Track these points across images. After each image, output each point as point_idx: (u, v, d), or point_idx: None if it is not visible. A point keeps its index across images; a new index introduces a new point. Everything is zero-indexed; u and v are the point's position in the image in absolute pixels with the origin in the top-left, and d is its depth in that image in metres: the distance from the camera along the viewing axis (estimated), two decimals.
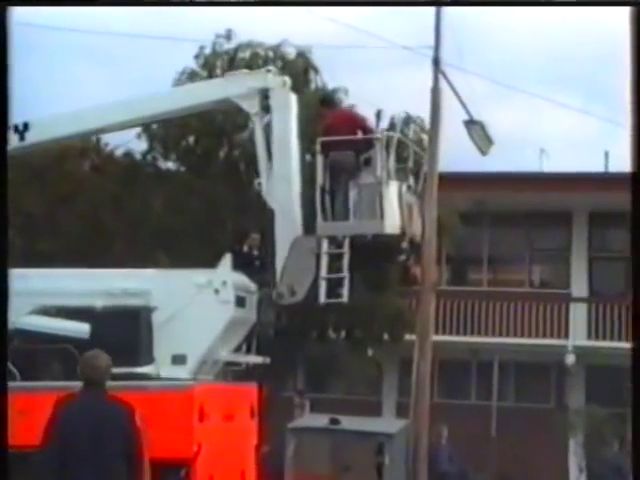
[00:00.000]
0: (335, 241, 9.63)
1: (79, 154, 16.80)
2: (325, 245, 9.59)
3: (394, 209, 9.61)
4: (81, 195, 16.75)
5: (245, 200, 15.34)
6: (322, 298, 9.49)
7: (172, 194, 16.54)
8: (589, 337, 21.28)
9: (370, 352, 18.57)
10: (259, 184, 10.04)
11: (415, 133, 16.69)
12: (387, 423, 17.18)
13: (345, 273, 9.47)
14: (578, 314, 21.59)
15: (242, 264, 10.08)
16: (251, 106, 10.12)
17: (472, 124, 14.35)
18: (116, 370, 9.13)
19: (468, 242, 21.39)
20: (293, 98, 10.17)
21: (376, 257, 10.28)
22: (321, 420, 14.14)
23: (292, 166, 9.90)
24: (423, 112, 14.63)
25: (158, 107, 10.75)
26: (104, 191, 16.66)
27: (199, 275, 9.69)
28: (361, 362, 18.43)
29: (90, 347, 9.31)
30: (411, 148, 10.42)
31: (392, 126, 10.24)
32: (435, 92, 13.93)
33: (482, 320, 22.07)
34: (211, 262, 10.32)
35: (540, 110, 34.28)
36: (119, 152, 17.46)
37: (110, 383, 8.98)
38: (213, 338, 9.55)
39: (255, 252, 11.01)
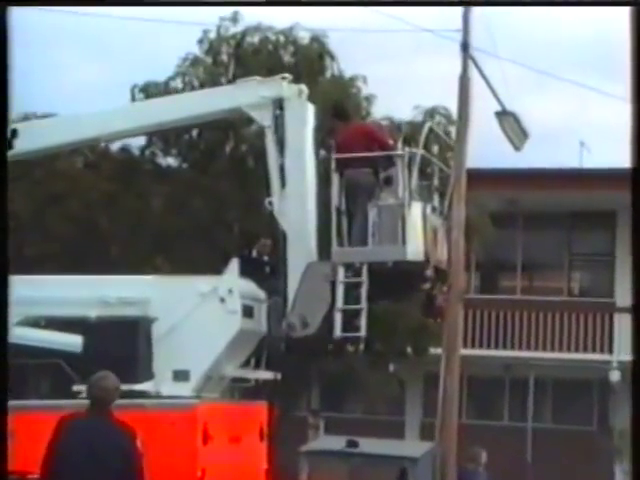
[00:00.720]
0: (352, 268, 9.60)
1: (71, 150, 16.86)
2: (341, 273, 9.55)
3: (417, 233, 9.58)
4: (73, 194, 16.80)
5: (254, 200, 15.34)
6: (337, 331, 9.42)
7: (173, 193, 16.57)
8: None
9: (391, 367, 18.55)
10: (270, 203, 10.05)
11: (441, 125, 16.68)
12: (410, 446, 17.16)
13: (363, 304, 9.43)
14: (623, 326, 21.49)
15: (251, 270, 10.09)
16: (263, 117, 10.15)
17: (505, 115, 14.31)
18: None
19: (500, 246, 21.32)
20: (310, 109, 10.18)
21: (397, 286, 10.20)
22: (337, 442, 14.14)
23: (307, 185, 9.92)
24: (450, 102, 14.62)
25: (162, 116, 10.79)
26: (99, 190, 16.70)
27: (203, 282, 9.71)
28: (381, 378, 18.42)
29: (82, 361, 9.44)
30: (436, 165, 10.39)
31: (410, 140, 10.20)
32: (464, 80, 13.89)
33: (516, 332, 22.01)
34: (216, 268, 10.34)
35: (581, 100, 34.15)
36: (115, 147, 17.52)
37: None
38: (218, 352, 9.56)
39: (265, 258, 11.04)
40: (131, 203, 16.58)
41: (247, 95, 10.26)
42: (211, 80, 16.95)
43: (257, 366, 10.33)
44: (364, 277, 9.49)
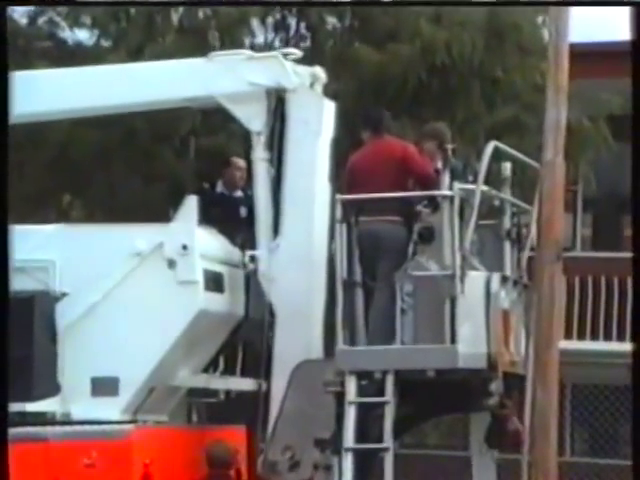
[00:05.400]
0: (370, 378, 9.46)
1: None
2: (352, 386, 9.37)
3: (477, 323, 9.46)
4: None
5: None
6: None
7: None
8: None
9: None
10: (252, 258, 10.01)
11: None
12: None
13: (388, 441, 9.29)
14: None
15: (217, 215, 10.28)
16: (251, 117, 10.07)
17: None
18: None
19: (625, 171, 21.32)
20: (328, 109, 10.05)
21: (444, 405, 10.12)
22: None
23: (314, 234, 9.88)
24: None
25: (90, 98, 10.58)
26: None
27: (140, 235, 9.78)
28: None
29: None
30: (507, 202, 10.10)
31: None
32: None
33: None
34: (161, 212, 10.36)
35: None
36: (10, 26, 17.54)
37: None
38: (166, 348, 9.67)
39: (239, 193, 11.11)
40: None
41: (226, 79, 10.11)
42: None
43: (229, 370, 10.52)
44: (389, 395, 9.32)
